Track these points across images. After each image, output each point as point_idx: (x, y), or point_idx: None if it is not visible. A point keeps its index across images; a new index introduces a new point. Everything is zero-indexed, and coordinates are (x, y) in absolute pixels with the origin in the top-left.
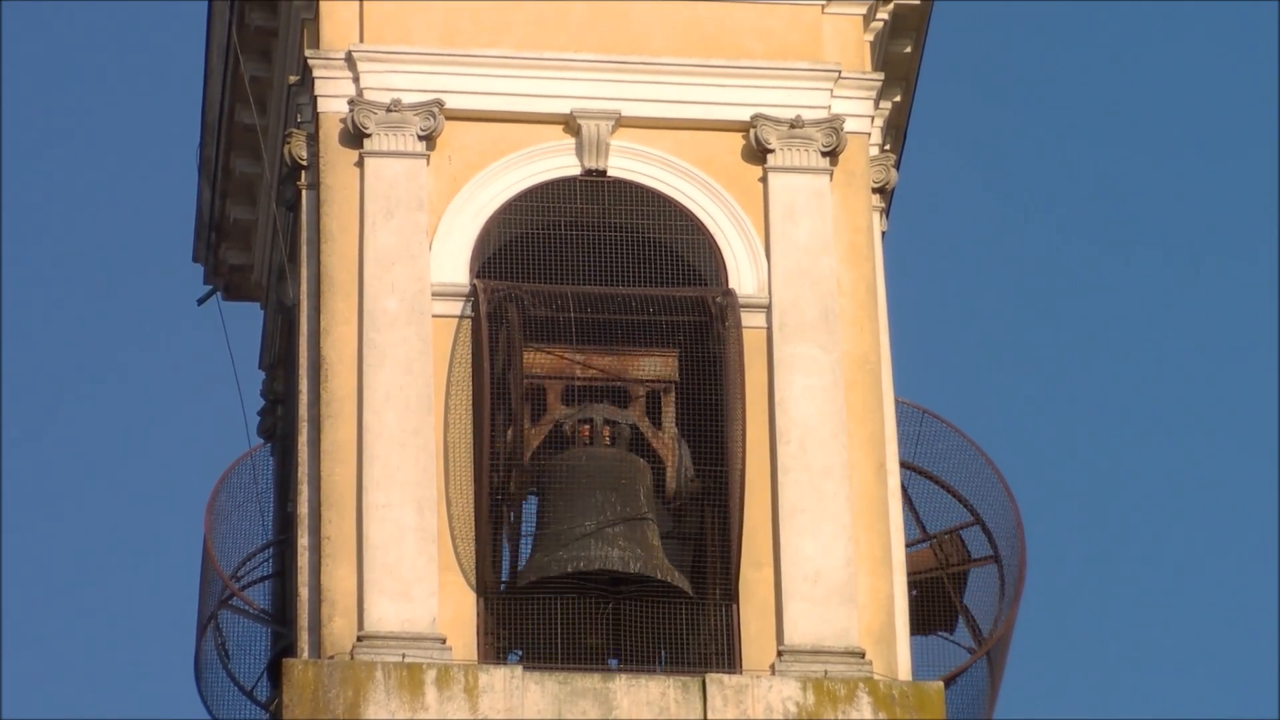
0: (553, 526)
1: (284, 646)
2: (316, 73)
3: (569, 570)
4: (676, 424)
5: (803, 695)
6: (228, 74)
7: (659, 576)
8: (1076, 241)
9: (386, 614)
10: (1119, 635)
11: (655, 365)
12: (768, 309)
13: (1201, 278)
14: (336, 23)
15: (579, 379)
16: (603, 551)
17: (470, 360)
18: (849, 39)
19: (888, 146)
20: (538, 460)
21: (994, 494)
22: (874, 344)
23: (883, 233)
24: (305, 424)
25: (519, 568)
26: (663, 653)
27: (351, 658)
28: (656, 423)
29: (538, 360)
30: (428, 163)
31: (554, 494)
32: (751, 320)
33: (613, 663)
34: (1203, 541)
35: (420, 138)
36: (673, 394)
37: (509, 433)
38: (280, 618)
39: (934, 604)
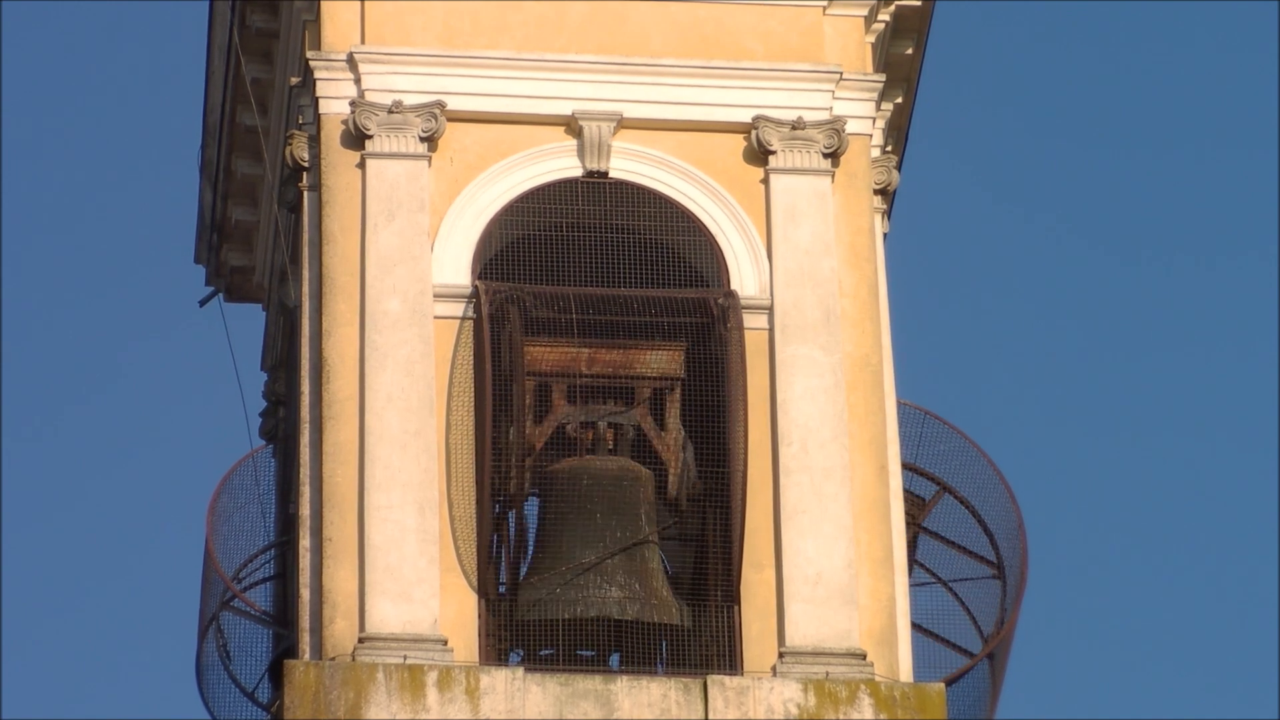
0: (551, 550)
1: (285, 648)
2: (318, 74)
3: (565, 616)
4: (682, 422)
5: (804, 697)
6: (229, 76)
7: (655, 619)
8: (1077, 243)
9: (388, 615)
10: (1120, 636)
11: (661, 360)
12: (769, 310)
13: (1203, 279)
14: (338, 24)
15: (584, 376)
16: (601, 592)
17: (472, 362)
18: (850, 40)
19: (889, 148)
20: (540, 463)
21: (996, 495)
22: (875, 345)
23: (884, 234)
24: (307, 425)
25: (520, 575)
26: (663, 642)
27: (353, 659)
28: (660, 422)
29: (543, 356)
30: (429, 164)
31: (553, 512)
32: (753, 321)
33: (614, 659)
34: (1203, 542)
35: (422, 139)
36: (678, 391)
37: (511, 434)
38: (282, 619)
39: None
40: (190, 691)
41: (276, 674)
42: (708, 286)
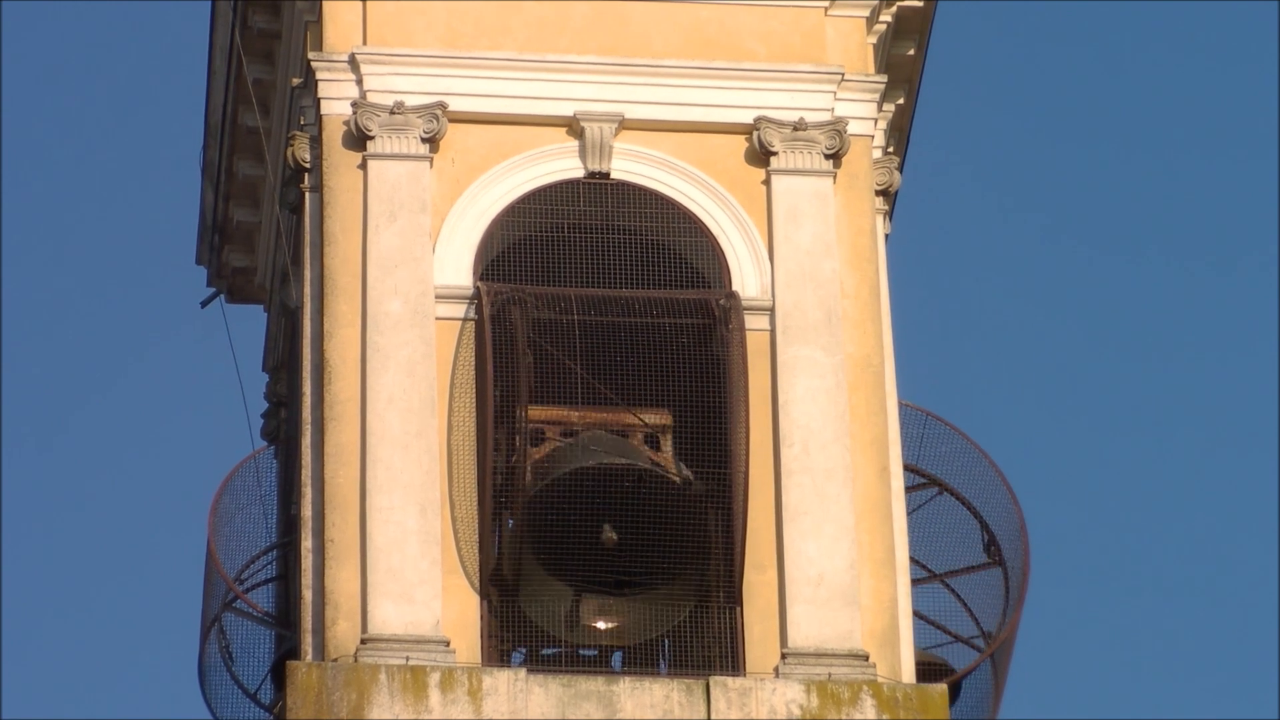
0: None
1: (288, 649)
2: (319, 75)
3: (573, 468)
4: (675, 458)
5: (806, 698)
6: (231, 76)
7: (663, 474)
8: (1079, 244)
9: (390, 616)
10: (1121, 636)
11: (650, 418)
12: (771, 311)
13: (1203, 280)
14: (339, 25)
15: (576, 426)
16: (608, 458)
17: (474, 363)
18: (852, 41)
19: (891, 149)
20: (540, 465)
21: (997, 496)
22: (877, 346)
23: (886, 235)
24: (308, 426)
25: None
26: (666, 643)
27: (355, 660)
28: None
29: (535, 415)
30: (431, 165)
31: (555, 464)
32: (755, 323)
33: (617, 658)
34: (1203, 542)
35: (423, 140)
36: (670, 435)
37: (511, 435)
38: (284, 620)
39: None
40: (193, 692)
41: (279, 675)
42: (709, 288)
